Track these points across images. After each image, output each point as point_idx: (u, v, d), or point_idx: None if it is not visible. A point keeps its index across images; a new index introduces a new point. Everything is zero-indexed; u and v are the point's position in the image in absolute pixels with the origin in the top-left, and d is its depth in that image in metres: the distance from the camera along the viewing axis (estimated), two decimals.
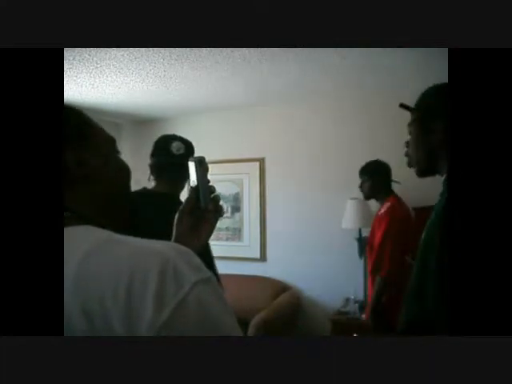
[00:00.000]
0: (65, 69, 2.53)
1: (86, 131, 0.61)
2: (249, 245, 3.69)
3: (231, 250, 3.68)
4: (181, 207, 0.77)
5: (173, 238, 0.75)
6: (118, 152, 0.66)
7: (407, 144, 1.12)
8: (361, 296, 3.14)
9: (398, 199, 2.46)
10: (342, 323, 2.97)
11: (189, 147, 1.65)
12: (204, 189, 0.75)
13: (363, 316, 2.68)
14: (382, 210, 2.41)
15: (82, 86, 2.90)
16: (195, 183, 0.75)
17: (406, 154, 1.12)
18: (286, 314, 3.21)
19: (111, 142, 0.66)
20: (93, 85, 2.88)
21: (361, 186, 2.59)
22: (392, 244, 2.24)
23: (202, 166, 0.75)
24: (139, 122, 4.04)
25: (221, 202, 0.77)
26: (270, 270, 3.58)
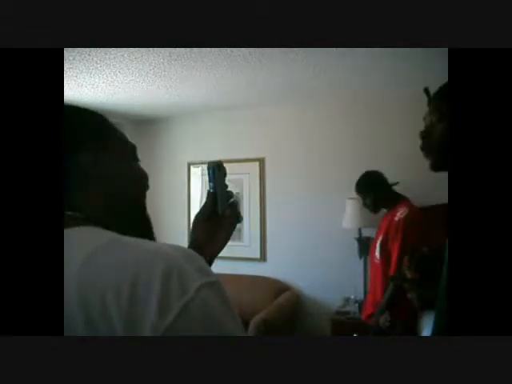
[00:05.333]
0: (65, 69, 2.53)
1: (104, 133, 0.61)
2: (249, 245, 3.69)
3: (231, 250, 3.65)
4: (198, 212, 0.76)
5: (189, 242, 0.75)
6: (136, 159, 0.66)
7: (423, 134, 1.00)
8: (361, 296, 3.14)
9: (410, 203, 2.40)
10: (342, 323, 2.97)
11: None
12: (222, 194, 0.73)
13: (363, 317, 2.68)
14: (398, 216, 2.32)
15: (81, 86, 2.90)
16: (213, 188, 0.74)
17: (423, 147, 1.00)
18: (286, 314, 3.21)
19: (130, 147, 0.66)
20: (93, 85, 2.88)
21: (364, 204, 2.56)
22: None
23: (220, 170, 0.73)
24: (139, 121, 4.04)
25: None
26: (270, 270, 3.58)
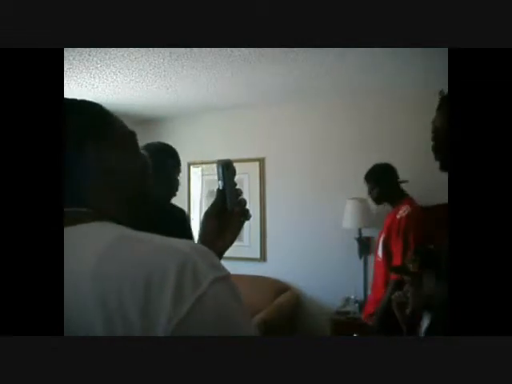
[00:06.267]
0: (65, 69, 2.53)
1: (109, 127, 0.61)
2: (249, 245, 3.69)
3: (231, 250, 3.65)
4: (207, 209, 0.77)
5: (197, 239, 0.76)
6: (140, 151, 0.66)
7: (435, 136, 1.04)
8: (361, 296, 3.14)
9: (413, 202, 2.41)
10: (342, 323, 2.97)
11: (153, 154, 1.64)
12: (231, 192, 0.75)
13: (363, 316, 2.68)
14: (400, 214, 2.33)
15: (82, 86, 2.90)
16: (222, 186, 0.75)
17: (434, 149, 1.05)
18: (286, 314, 3.21)
19: (134, 141, 0.66)
20: (93, 85, 2.88)
21: (369, 193, 2.56)
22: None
23: (228, 169, 0.75)
24: (139, 121, 4.04)
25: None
26: (270, 269, 3.58)
